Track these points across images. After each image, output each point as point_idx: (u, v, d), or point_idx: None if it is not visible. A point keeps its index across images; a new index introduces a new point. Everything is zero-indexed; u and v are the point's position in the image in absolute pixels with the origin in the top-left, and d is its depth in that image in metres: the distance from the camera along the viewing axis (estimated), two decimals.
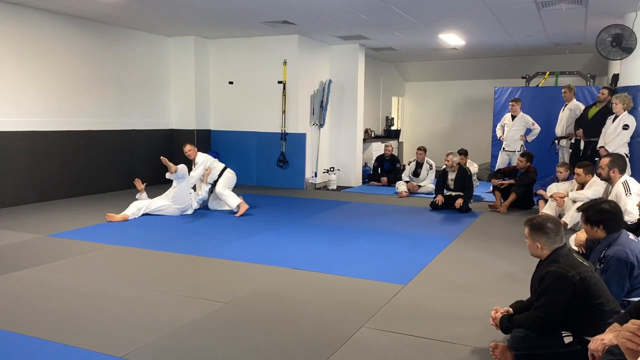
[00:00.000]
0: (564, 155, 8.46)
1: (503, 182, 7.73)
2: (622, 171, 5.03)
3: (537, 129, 8.82)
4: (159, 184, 9.68)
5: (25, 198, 7.42)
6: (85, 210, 7.07)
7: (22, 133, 7.36)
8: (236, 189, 9.30)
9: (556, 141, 8.58)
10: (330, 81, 10.07)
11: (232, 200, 7.13)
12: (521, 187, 7.56)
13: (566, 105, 8.37)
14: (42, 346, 3.02)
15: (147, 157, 9.47)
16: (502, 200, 7.71)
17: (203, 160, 7.27)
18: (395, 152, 11.20)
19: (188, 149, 7.26)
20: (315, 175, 9.95)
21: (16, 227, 6.03)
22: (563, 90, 8.39)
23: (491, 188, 8.96)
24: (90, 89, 8.34)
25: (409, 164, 9.62)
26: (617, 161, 5.07)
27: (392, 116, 13.87)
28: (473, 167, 9.30)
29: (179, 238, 5.70)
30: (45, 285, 4.09)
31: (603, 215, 3.22)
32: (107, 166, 8.70)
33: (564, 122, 8.32)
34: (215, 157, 10.03)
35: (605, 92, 7.57)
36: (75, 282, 4.19)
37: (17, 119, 7.28)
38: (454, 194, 7.66)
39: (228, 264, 4.79)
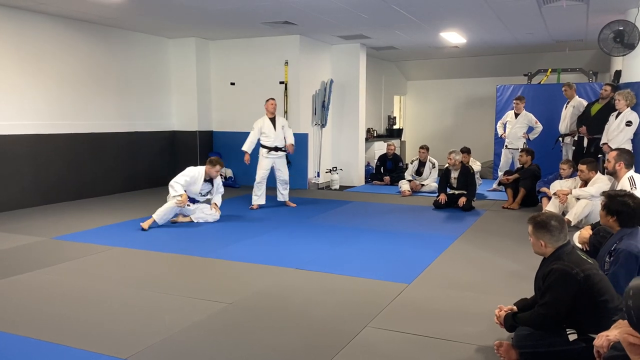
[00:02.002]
0: (568, 152, 8.44)
1: (508, 177, 7.82)
2: (629, 166, 5.01)
3: (539, 127, 8.83)
4: (160, 185, 9.71)
5: (29, 201, 7.43)
6: (89, 213, 7.09)
7: (26, 136, 7.37)
8: (239, 190, 9.35)
9: (560, 139, 8.56)
10: (331, 81, 10.07)
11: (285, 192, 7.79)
12: (527, 179, 7.60)
13: (568, 102, 8.36)
14: (46, 348, 3.03)
15: (150, 159, 9.49)
16: (513, 198, 7.74)
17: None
18: (397, 151, 11.19)
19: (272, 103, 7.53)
20: (318, 175, 9.95)
21: (21, 230, 6.04)
22: (563, 88, 8.38)
23: (494, 185, 8.98)
24: (93, 91, 8.36)
25: (411, 163, 9.61)
26: (624, 155, 5.05)
27: (394, 115, 13.86)
28: (476, 165, 9.29)
29: (182, 239, 5.71)
30: (50, 288, 4.10)
31: (621, 207, 3.19)
32: (111, 169, 8.72)
33: (567, 119, 8.30)
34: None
35: (608, 88, 7.55)
36: (80, 284, 4.20)
37: (20, 122, 7.30)
38: (456, 192, 7.65)
39: (231, 264, 4.80)
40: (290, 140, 7.61)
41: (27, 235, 5.77)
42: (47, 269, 4.57)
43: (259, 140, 7.57)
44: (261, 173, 7.57)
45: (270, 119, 7.52)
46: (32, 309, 3.67)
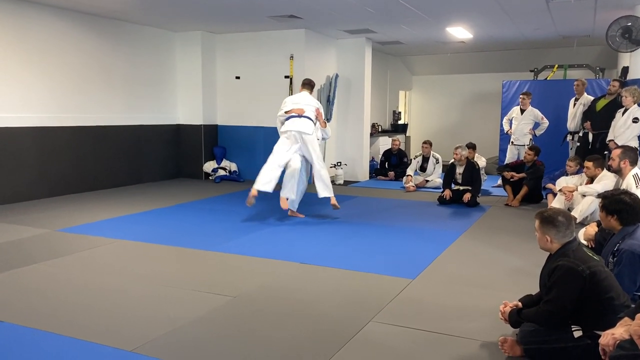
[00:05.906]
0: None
1: (515, 174, 7.70)
2: (634, 163, 4.99)
3: (545, 123, 8.78)
4: (165, 179, 9.74)
5: (34, 193, 7.46)
6: (94, 205, 7.11)
7: (31, 129, 7.39)
8: (243, 184, 9.35)
9: (569, 136, 8.51)
10: (337, 75, 10.04)
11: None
12: (532, 180, 7.55)
13: (577, 99, 8.29)
14: (51, 340, 3.04)
15: (154, 152, 9.51)
16: (513, 194, 7.67)
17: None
18: (402, 147, 11.17)
19: None
20: None
21: (25, 222, 6.07)
22: (575, 83, 8.28)
23: (499, 182, 8.93)
24: (98, 84, 8.36)
25: (414, 158, 9.58)
26: (628, 153, 5.04)
27: (399, 110, 13.83)
28: (481, 161, 9.26)
29: (187, 233, 5.72)
30: (55, 280, 4.12)
31: (619, 205, 3.18)
32: (116, 161, 8.73)
33: (577, 117, 8.22)
34: (222, 153, 10.09)
35: (617, 84, 7.51)
36: (84, 276, 4.22)
37: (26, 114, 7.32)
38: (461, 188, 7.63)
39: (236, 258, 4.80)
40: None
41: (32, 227, 5.79)
42: (51, 261, 4.59)
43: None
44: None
45: None
46: (36, 300, 3.69)
